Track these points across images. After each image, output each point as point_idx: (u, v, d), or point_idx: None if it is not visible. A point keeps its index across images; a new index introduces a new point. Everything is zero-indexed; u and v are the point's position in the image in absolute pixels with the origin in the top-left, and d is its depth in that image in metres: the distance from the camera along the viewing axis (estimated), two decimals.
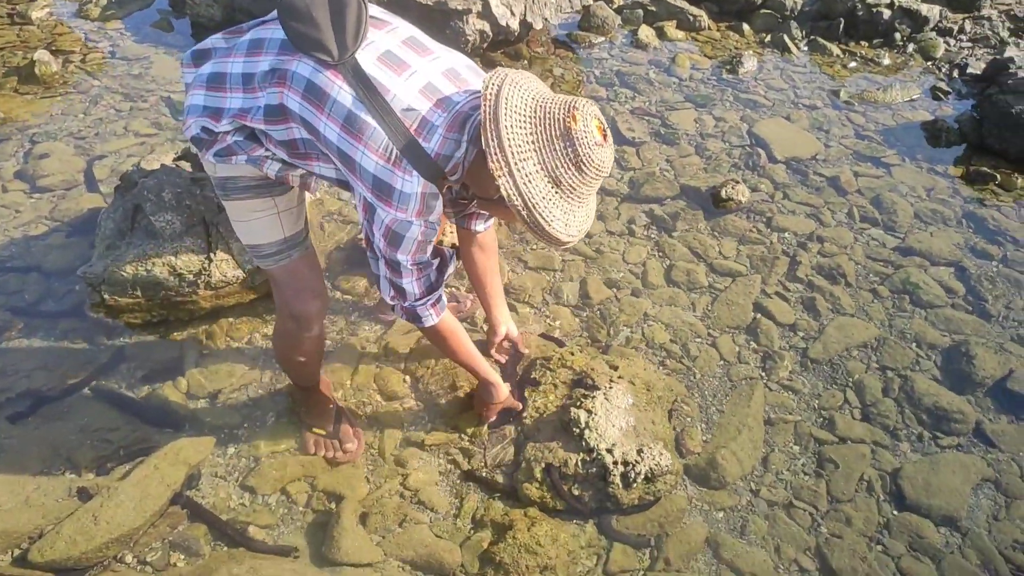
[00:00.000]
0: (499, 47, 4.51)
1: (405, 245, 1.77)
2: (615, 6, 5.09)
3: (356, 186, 1.75)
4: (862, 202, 3.58)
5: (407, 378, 2.64)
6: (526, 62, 4.49)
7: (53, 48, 4.18)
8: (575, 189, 1.67)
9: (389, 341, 2.75)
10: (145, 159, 2.87)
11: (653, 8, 5.04)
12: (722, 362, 2.79)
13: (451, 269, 2.01)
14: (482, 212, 2.25)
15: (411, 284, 1.89)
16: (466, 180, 1.83)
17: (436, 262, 1.95)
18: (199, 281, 2.66)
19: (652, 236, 3.33)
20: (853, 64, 4.72)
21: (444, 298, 2.04)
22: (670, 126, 4.02)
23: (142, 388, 2.56)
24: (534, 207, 1.62)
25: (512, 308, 2.90)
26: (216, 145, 1.83)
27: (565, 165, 1.63)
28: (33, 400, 2.49)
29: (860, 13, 4.86)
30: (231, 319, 2.77)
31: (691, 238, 3.31)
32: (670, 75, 4.49)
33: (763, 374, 2.76)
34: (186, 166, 2.73)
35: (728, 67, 4.55)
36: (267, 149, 1.84)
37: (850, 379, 2.76)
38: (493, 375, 2.39)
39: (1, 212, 3.14)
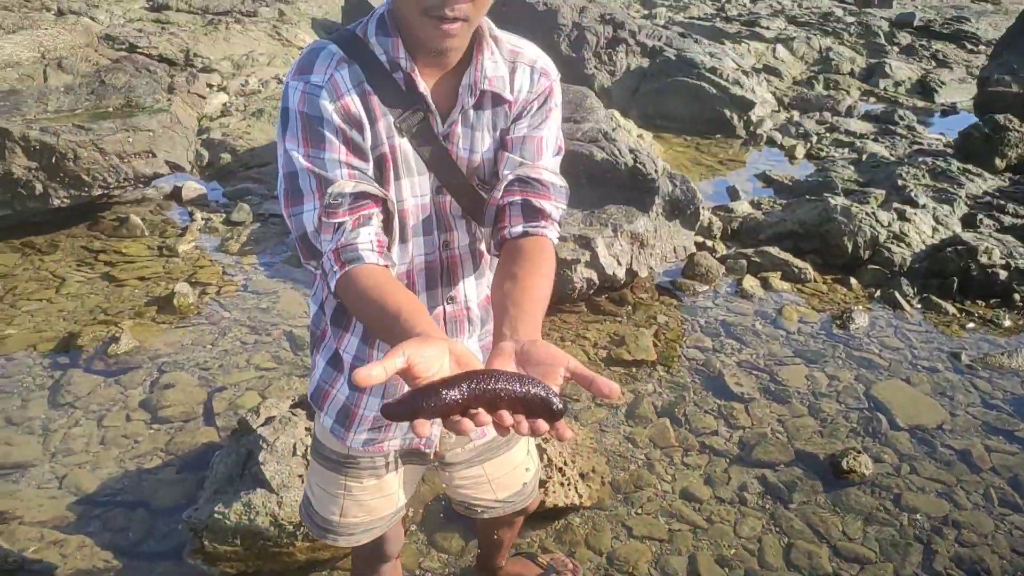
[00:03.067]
0: (604, 292, 4.63)
1: (289, 126, 1.38)
2: (719, 255, 5.20)
3: None
4: (999, 482, 3.28)
5: None
6: (630, 307, 4.56)
7: (193, 280, 4.54)
8: None
9: None
10: (264, 404, 2.96)
11: (757, 259, 5.12)
12: None
13: (371, 232, 1.41)
14: (514, 200, 1.51)
15: (311, 216, 1.40)
16: None
17: (358, 207, 1.39)
18: (298, 532, 2.62)
19: (766, 507, 3.12)
20: (971, 324, 4.57)
21: (364, 255, 1.38)
22: (780, 382, 3.91)
23: None
24: None
25: None
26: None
27: None
28: None
29: (975, 273, 4.78)
30: (325, 573, 2.69)
31: (810, 512, 3.08)
32: (777, 327, 4.45)
33: None
34: (302, 416, 2.79)
35: (838, 322, 4.48)
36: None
37: None
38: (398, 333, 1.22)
39: (121, 442, 3.26)
